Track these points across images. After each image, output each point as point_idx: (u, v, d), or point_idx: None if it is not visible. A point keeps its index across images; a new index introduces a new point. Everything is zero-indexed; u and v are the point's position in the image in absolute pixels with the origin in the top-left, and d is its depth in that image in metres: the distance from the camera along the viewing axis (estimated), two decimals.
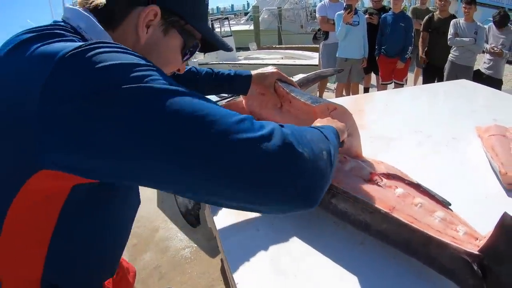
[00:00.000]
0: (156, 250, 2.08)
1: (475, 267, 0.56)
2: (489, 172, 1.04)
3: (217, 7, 46.25)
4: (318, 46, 4.16)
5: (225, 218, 0.87)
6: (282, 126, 0.43)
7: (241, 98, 1.10)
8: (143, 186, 0.42)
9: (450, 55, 3.47)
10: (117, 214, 0.58)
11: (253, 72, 0.95)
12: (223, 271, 1.80)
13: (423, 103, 1.90)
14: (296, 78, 4.56)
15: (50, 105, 0.36)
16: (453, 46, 3.42)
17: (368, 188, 0.69)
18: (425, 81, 3.95)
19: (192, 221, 1.01)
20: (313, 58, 6.44)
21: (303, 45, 9.47)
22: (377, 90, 4.12)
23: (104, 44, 0.40)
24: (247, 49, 10.44)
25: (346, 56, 3.60)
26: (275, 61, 7.19)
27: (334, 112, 0.85)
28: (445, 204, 0.85)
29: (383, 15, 3.67)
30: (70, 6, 0.51)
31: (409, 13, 4.37)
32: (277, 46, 11.41)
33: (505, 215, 0.56)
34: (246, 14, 17.16)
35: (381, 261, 0.68)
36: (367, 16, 3.85)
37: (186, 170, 0.37)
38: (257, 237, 0.79)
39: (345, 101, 2.08)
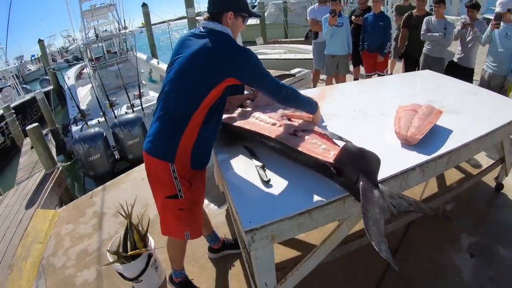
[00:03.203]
0: None
1: (332, 169, 1.19)
2: (393, 135, 1.59)
3: None
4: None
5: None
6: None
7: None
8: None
9: (424, 48, 3.93)
10: (222, 114, 1.40)
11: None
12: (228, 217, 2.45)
13: (376, 91, 2.37)
14: (294, 71, 5.08)
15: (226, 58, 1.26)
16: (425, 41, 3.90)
17: (288, 137, 1.35)
18: (406, 71, 4.44)
19: None
20: None
21: (306, 39, 9.91)
22: None
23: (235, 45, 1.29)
24: (254, 43, 10.95)
25: (333, 53, 4.16)
26: (278, 56, 7.76)
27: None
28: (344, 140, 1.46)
29: (365, 16, 4.17)
30: (208, 25, 1.34)
31: (393, 10, 4.83)
32: (282, 40, 11.86)
33: (347, 143, 1.18)
34: (253, 7, 17.51)
35: (298, 171, 1.32)
36: (354, 18, 4.36)
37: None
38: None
39: (315, 91, 2.61)
